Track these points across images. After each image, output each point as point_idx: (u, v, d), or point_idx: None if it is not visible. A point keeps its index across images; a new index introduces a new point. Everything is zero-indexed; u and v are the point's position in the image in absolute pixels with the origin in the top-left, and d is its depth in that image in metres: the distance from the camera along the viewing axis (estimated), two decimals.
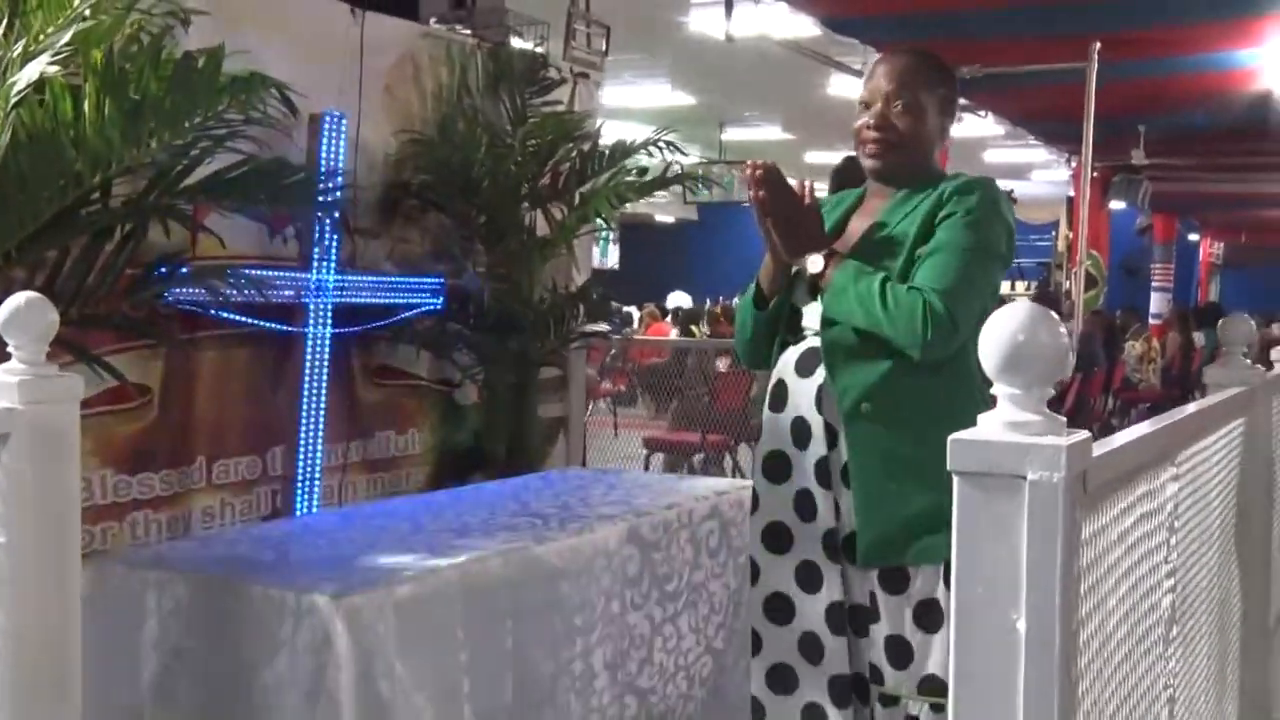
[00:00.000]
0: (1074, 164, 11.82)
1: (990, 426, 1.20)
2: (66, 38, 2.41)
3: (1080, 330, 8.65)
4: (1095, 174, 11.96)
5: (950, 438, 1.21)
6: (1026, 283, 15.63)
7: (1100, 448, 1.33)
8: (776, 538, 2.34)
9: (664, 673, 3.12)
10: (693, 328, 14.76)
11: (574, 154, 4.22)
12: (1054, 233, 14.58)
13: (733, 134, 14.68)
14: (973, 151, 13.76)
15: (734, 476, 6.71)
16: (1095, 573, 1.35)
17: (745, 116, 14.39)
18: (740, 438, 7.52)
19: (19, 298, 1.98)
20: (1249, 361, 2.51)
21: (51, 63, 2.37)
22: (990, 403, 1.24)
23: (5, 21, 2.48)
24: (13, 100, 2.38)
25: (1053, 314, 1.21)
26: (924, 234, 2.20)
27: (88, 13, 2.53)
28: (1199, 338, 11.56)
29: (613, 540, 2.93)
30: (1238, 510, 2.24)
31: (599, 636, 2.86)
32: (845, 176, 5.64)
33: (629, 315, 15.63)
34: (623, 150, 4.20)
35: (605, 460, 7.95)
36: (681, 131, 14.50)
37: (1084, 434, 1.21)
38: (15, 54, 2.41)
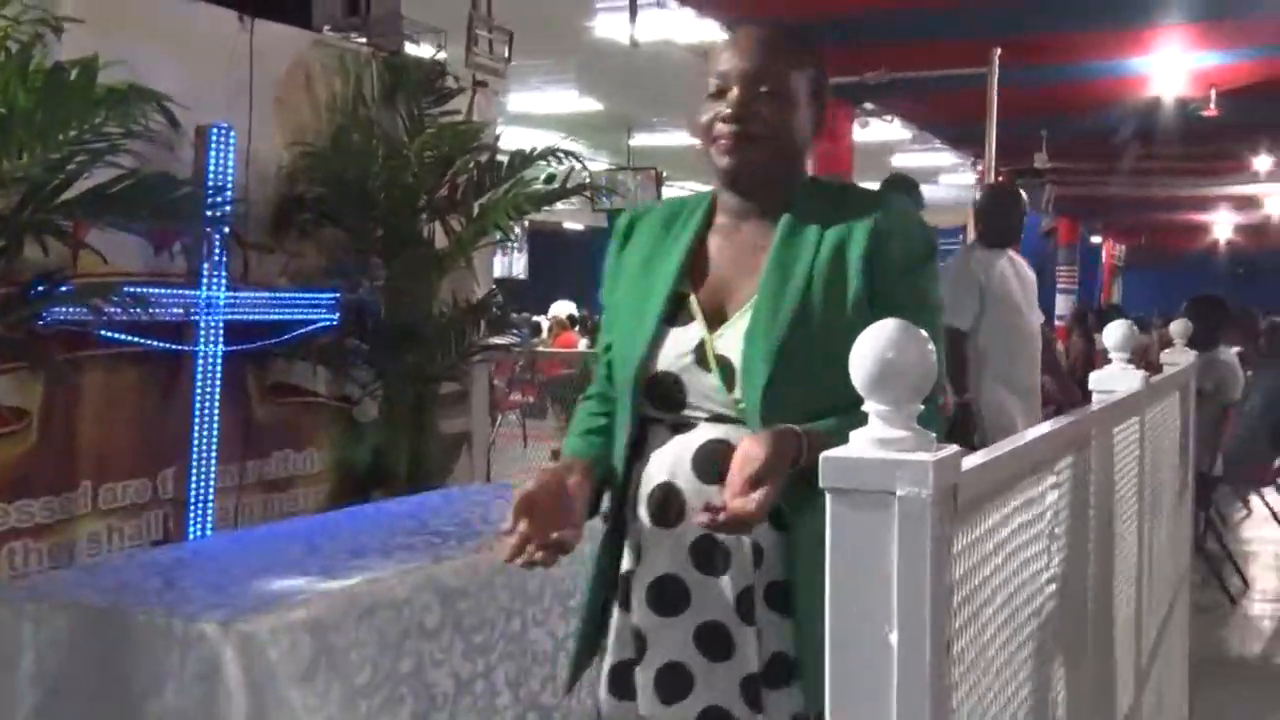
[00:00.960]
0: (979, 167, 12.07)
1: (860, 443, 1.23)
2: None
3: None
4: (1000, 177, 12.23)
5: (822, 455, 1.24)
6: None
7: (978, 459, 1.37)
8: (673, 688, 1.81)
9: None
10: None
11: (472, 165, 4.23)
12: (961, 236, 14.83)
13: (641, 139, 14.73)
14: (880, 156, 13.97)
15: None
16: (971, 583, 1.39)
17: (654, 122, 14.46)
18: None
19: None
20: (1131, 366, 2.58)
21: None
22: None
23: None
24: None
25: (922, 332, 1.25)
26: (863, 277, 1.74)
27: None
28: (1100, 339, 11.80)
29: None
30: (1117, 518, 2.31)
31: (499, 655, 2.87)
32: (989, 216, 5.23)
33: (537, 325, 15.61)
34: (522, 159, 4.23)
35: (513, 473, 7.96)
36: (589, 138, 14.64)
37: (954, 449, 1.25)
38: None
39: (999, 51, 7.74)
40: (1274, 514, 7.25)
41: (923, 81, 8.76)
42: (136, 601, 2.45)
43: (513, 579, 2.91)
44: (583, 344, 14.38)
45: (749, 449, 1.61)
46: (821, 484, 1.26)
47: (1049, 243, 15.04)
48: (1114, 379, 2.58)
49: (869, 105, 10.28)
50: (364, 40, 4.50)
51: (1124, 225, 18.51)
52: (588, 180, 4.53)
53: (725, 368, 1.77)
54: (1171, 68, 8.57)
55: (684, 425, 1.81)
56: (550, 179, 4.39)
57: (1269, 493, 7.55)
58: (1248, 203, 16.16)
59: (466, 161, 4.23)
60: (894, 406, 1.23)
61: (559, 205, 8.37)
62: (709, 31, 8.52)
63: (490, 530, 3.05)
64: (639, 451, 1.85)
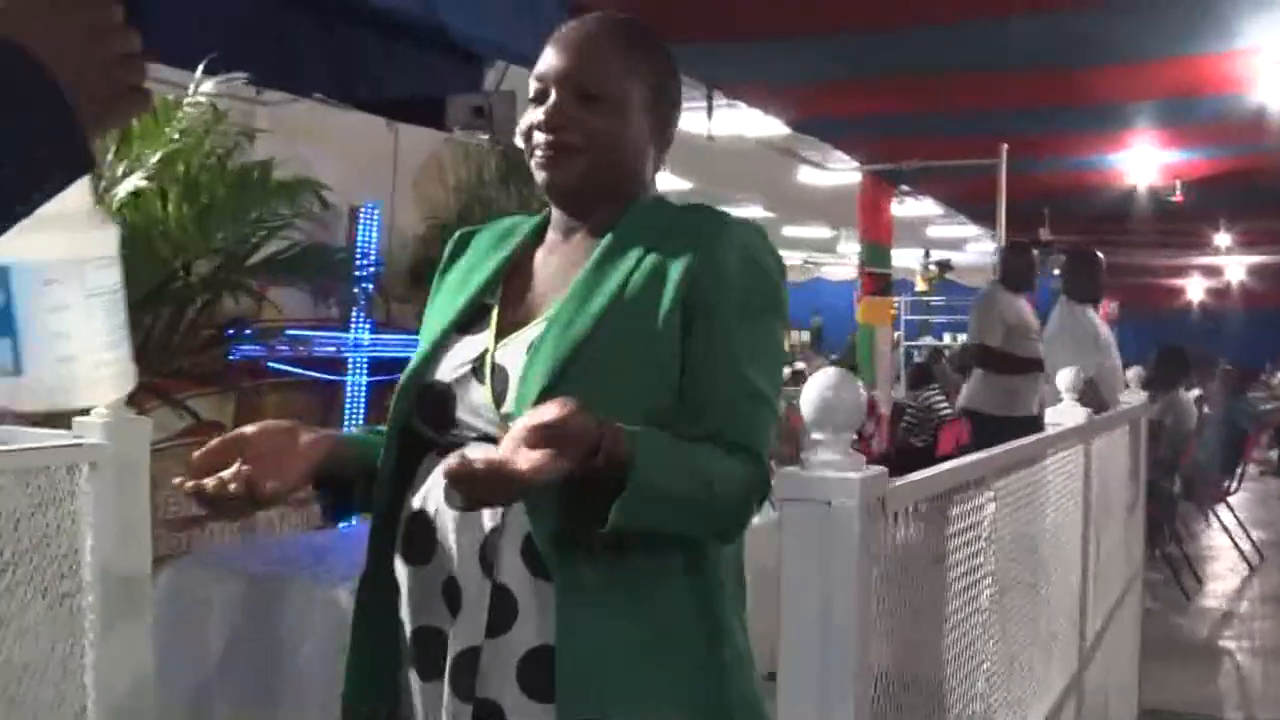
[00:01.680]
0: (998, 239, 11.98)
1: (808, 464, 1.31)
2: (156, 158, 2.56)
3: None
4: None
5: (780, 472, 1.31)
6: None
7: (911, 477, 1.44)
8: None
9: None
10: None
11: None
12: (982, 294, 14.65)
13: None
14: (917, 228, 13.89)
15: None
16: (911, 571, 1.46)
17: (734, 198, 14.55)
18: None
19: None
20: (1078, 404, 2.59)
21: (144, 177, 2.52)
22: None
23: (114, 149, 2.63)
24: (116, 205, 2.52)
25: (853, 378, 1.32)
26: (680, 304, 1.22)
27: (176, 136, 2.69)
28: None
29: None
30: (1059, 526, 2.33)
31: None
32: (1010, 266, 5.72)
33: None
34: None
35: None
36: None
37: (880, 469, 1.32)
38: (120, 171, 2.56)
39: (1006, 147, 7.75)
40: (1224, 527, 7.11)
41: (947, 169, 8.76)
42: (290, 571, 2.59)
43: None
44: None
45: (546, 405, 1.09)
46: (777, 496, 1.34)
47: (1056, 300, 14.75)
48: (1062, 414, 2.60)
49: (905, 187, 10.26)
50: (486, 136, 4.64)
51: (1116, 286, 18.22)
52: None
53: (500, 380, 1.23)
54: (1144, 162, 8.51)
55: (452, 447, 1.23)
56: None
57: (1224, 508, 7.44)
58: (1213, 271, 16.10)
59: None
60: (833, 435, 1.30)
61: None
62: (774, 127, 8.59)
63: None
64: (409, 479, 1.28)
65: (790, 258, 20.24)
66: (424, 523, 1.25)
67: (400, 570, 1.27)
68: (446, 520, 1.23)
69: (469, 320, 1.31)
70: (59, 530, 2.16)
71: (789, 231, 16.66)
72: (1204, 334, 15.67)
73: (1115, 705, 3.18)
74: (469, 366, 1.26)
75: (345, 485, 1.34)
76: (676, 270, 1.23)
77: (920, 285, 14.11)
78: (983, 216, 11.30)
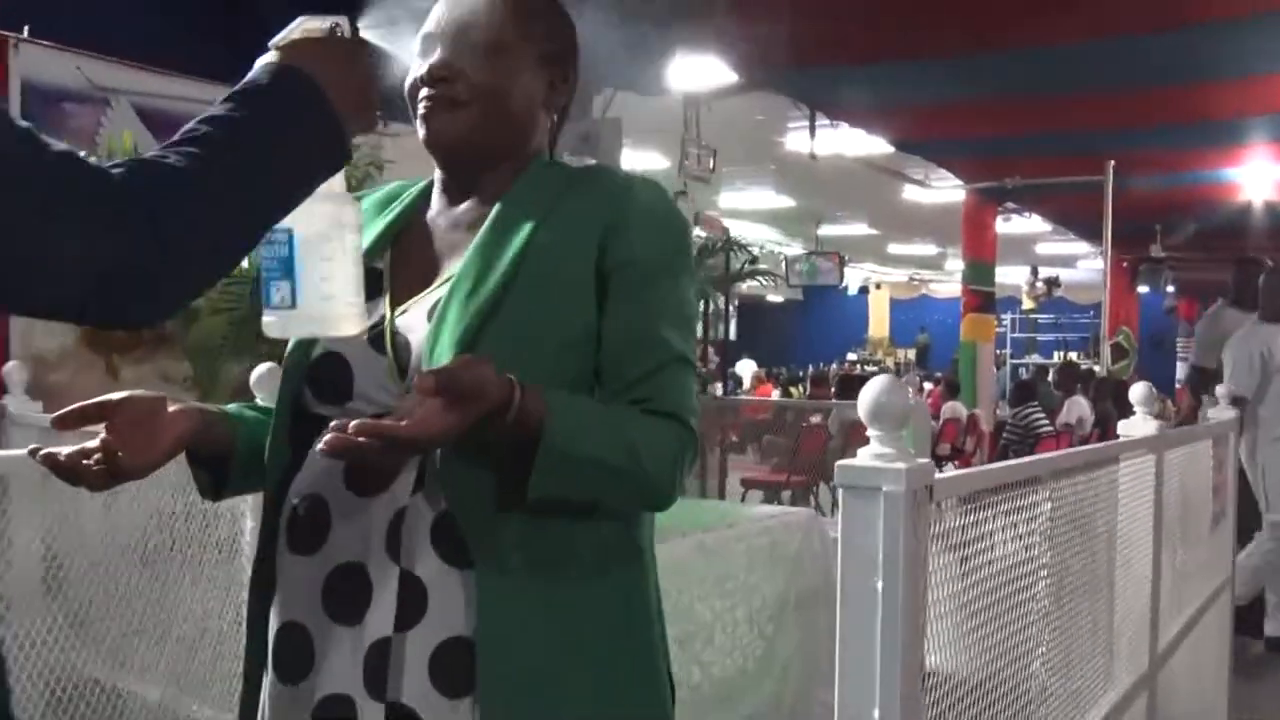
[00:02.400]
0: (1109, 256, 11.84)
1: (863, 456, 1.52)
2: None
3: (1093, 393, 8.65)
4: (1125, 264, 11.93)
5: (837, 464, 1.53)
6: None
7: (955, 472, 1.64)
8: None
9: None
10: (792, 389, 14.97)
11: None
12: (1092, 313, 14.44)
13: (827, 230, 14.93)
14: (1026, 244, 13.78)
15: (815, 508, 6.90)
16: (957, 555, 1.65)
17: (837, 215, 14.64)
18: (819, 478, 7.68)
19: (262, 367, 2.19)
20: (1150, 418, 2.71)
21: None
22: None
23: None
24: None
25: (902, 383, 1.53)
26: (594, 266, 1.15)
27: None
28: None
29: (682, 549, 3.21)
30: (1122, 532, 2.45)
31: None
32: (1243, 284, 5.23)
33: (740, 378, 15.90)
34: (706, 251, 4.56)
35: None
36: (785, 228, 14.83)
37: (927, 462, 1.52)
38: None
39: (1113, 163, 7.72)
40: None
41: (1052, 186, 8.76)
42: None
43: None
44: (776, 394, 14.59)
45: (452, 361, 1.04)
46: (835, 483, 1.55)
47: (1171, 319, 14.49)
48: (1133, 426, 2.72)
49: (1010, 204, 10.25)
50: (593, 162, 4.92)
51: None
52: (761, 266, 4.81)
53: (402, 351, 1.14)
54: (1260, 176, 8.43)
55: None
56: (753, 259, 4.67)
57: None
58: None
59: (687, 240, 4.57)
60: (885, 431, 1.51)
61: (761, 280, 8.73)
62: (876, 145, 8.73)
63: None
64: (298, 460, 1.17)
65: (895, 275, 20.19)
66: (314, 508, 1.14)
67: (283, 560, 1.15)
68: (343, 505, 1.12)
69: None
70: (218, 516, 2.47)
71: (894, 249, 16.66)
72: None
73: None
74: (364, 336, 1.14)
75: (221, 462, 1.25)
76: (585, 231, 1.16)
77: (1027, 303, 13.98)
78: (1091, 233, 11.23)
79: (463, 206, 1.25)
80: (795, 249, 14.05)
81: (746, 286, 10.54)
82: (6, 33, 3.49)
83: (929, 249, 15.11)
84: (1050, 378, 10.02)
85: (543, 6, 1.28)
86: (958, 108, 6.88)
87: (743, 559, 3.48)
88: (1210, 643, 3.46)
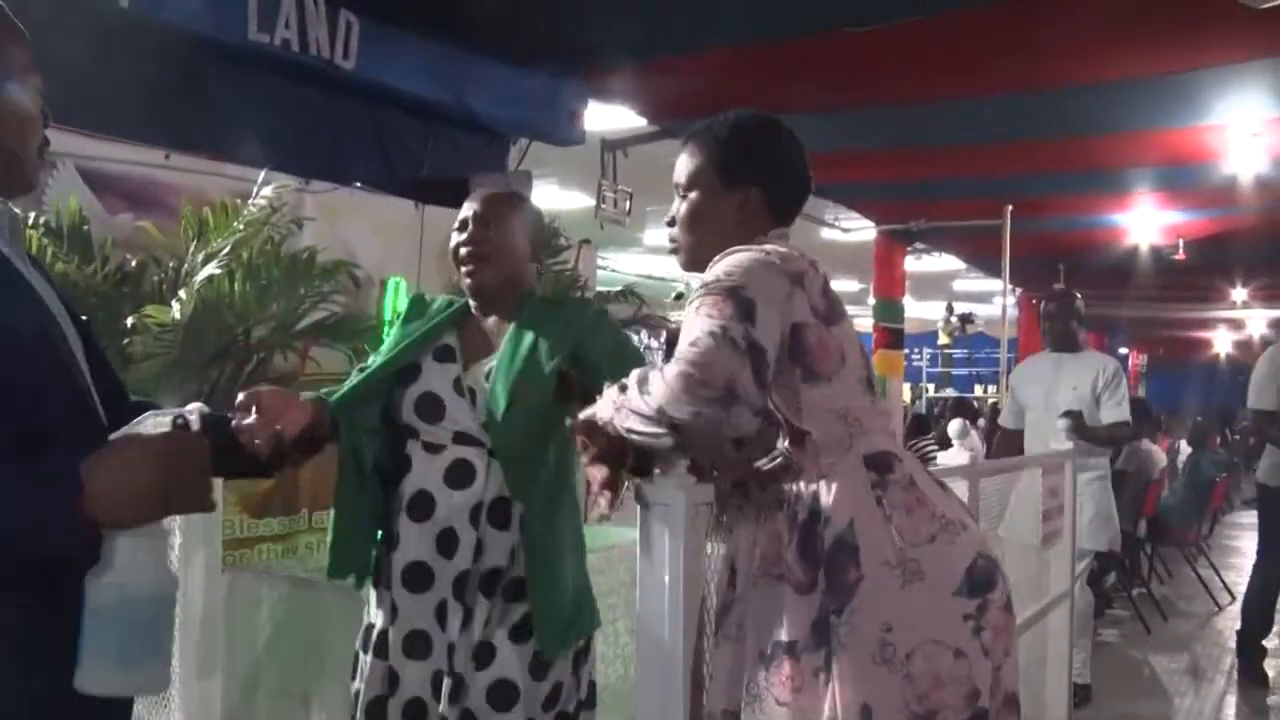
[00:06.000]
0: (1018, 292, 12.51)
1: (659, 479, 2.00)
2: (227, 248, 3.33)
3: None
4: (1034, 300, 12.60)
5: (638, 485, 2.02)
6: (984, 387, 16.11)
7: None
8: (413, 646, 2.13)
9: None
10: None
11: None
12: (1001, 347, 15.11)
13: None
14: (943, 281, 14.42)
15: None
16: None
17: None
18: None
19: (192, 407, 2.80)
20: (964, 449, 3.23)
21: (218, 265, 3.28)
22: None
23: (195, 240, 3.40)
24: (196, 286, 3.30)
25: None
26: (566, 352, 2.16)
27: (240, 227, 3.47)
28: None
29: None
30: None
31: None
32: None
33: None
34: (606, 299, 5.04)
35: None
36: None
37: (706, 486, 2.01)
38: (200, 258, 3.34)
39: (1010, 208, 8.30)
40: (1196, 573, 7.66)
41: (955, 228, 9.35)
42: (323, 581, 3.26)
43: None
44: None
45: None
46: (636, 500, 2.05)
47: None
48: (950, 457, 3.25)
49: (920, 245, 10.84)
50: None
51: (1143, 339, 18.64)
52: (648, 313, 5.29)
53: (471, 395, 2.13)
54: (1145, 222, 9.06)
55: (433, 440, 2.13)
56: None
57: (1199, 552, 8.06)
58: (1237, 324, 16.62)
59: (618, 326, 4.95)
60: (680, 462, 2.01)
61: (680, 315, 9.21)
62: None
63: None
64: (403, 466, 2.15)
65: None
66: (425, 495, 2.10)
67: (405, 526, 2.11)
68: (449, 498, 2.09)
69: (442, 354, 2.20)
70: None
71: None
72: (1233, 385, 16.08)
73: None
74: (450, 384, 2.14)
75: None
76: (561, 338, 2.15)
77: (943, 338, 14.66)
78: (997, 271, 11.89)
79: (490, 320, 2.25)
80: None
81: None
82: None
83: (851, 285, 15.72)
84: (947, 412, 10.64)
85: (529, 205, 2.35)
86: (864, 155, 7.34)
87: (625, 575, 3.92)
88: (1052, 654, 3.99)
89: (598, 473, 1.72)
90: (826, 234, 11.49)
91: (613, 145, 7.49)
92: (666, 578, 1.94)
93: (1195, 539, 7.67)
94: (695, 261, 1.88)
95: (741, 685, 1.78)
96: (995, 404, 11.05)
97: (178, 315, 3.22)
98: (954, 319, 13.76)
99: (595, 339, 2.17)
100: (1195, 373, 18.41)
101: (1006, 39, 5.14)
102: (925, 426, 8.49)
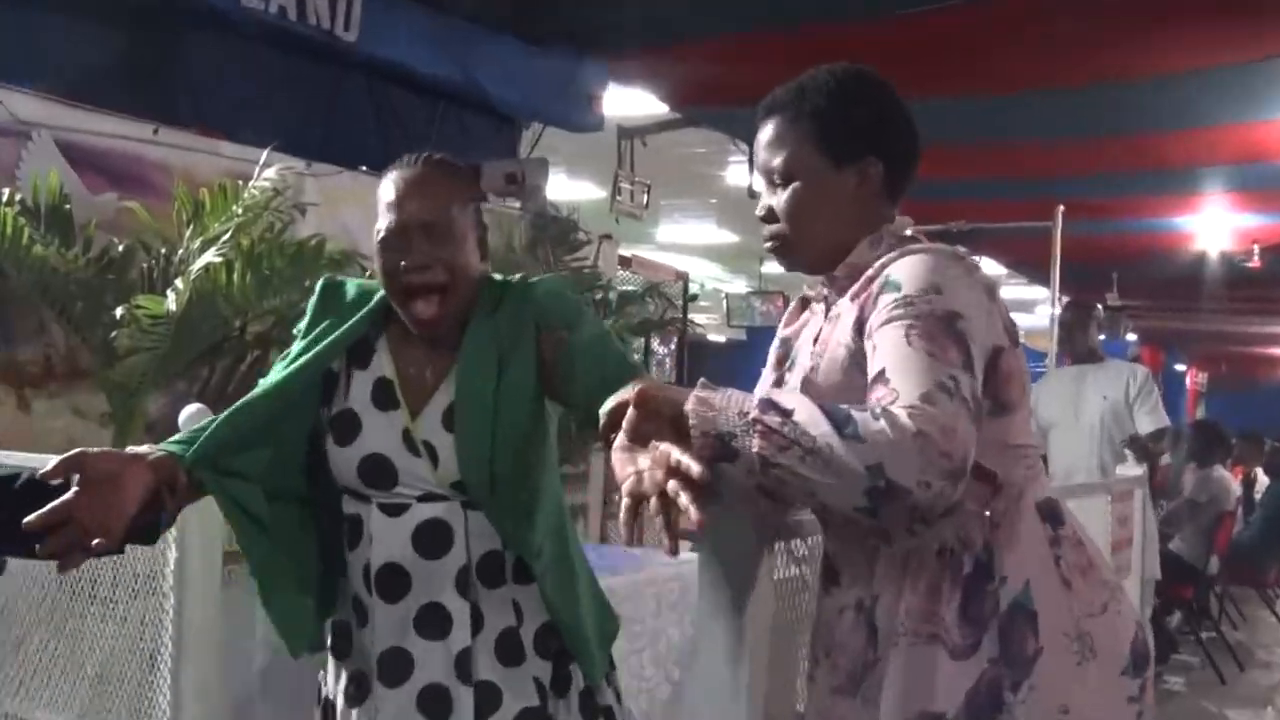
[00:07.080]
0: (1064, 301, 12.48)
1: None
2: (227, 234, 3.34)
3: None
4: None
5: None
6: None
7: None
8: None
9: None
10: None
11: (590, 300, 5.06)
12: (1047, 359, 15.06)
13: (770, 267, 15.51)
14: None
15: None
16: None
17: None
18: None
19: (191, 407, 2.69)
20: None
21: (217, 252, 3.30)
22: None
23: (190, 224, 3.42)
24: (193, 275, 3.31)
25: None
26: (533, 360, 1.78)
27: (240, 211, 3.48)
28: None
29: None
30: None
31: None
32: None
33: None
34: (628, 298, 5.07)
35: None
36: (728, 264, 15.26)
37: None
38: (195, 245, 3.35)
39: (1062, 208, 8.28)
40: (1276, 616, 7.57)
41: (999, 230, 9.34)
42: None
43: None
44: None
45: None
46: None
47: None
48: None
49: (960, 248, 10.83)
50: (517, 204, 5.38)
51: (1204, 355, 18.57)
52: (672, 317, 5.29)
53: (430, 452, 1.74)
54: (1216, 226, 8.98)
55: (393, 504, 1.76)
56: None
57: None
58: None
59: (588, 298, 5.05)
60: None
61: (704, 320, 8.94)
62: None
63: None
64: (353, 527, 1.79)
65: None
66: (393, 569, 1.74)
67: (374, 605, 1.76)
68: (419, 567, 1.74)
69: (380, 397, 1.78)
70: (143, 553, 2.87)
71: None
72: None
73: None
74: (398, 440, 1.75)
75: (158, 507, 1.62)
76: (525, 337, 1.76)
77: None
78: (1044, 278, 11.87)
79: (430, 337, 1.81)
80: (739, 285, 14.55)
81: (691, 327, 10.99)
82: None
83: None
84: None
85: (464, 177, 1.91)
86: None
87: (651, 604, 3.93)
88: None
89: (655, 476, 1.40)
90: None
91: (630, 133, 7.49)
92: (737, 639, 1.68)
93: (1276, 580, 7.58)
94: (815, 263, 1.72)
95: None
96: None
97: (173, 307, 3.22)
98: None
99: (557, 316, 1.79)
100: (1264, 394, 18.28)
101: (1061, 25, 5.13)
102: None
